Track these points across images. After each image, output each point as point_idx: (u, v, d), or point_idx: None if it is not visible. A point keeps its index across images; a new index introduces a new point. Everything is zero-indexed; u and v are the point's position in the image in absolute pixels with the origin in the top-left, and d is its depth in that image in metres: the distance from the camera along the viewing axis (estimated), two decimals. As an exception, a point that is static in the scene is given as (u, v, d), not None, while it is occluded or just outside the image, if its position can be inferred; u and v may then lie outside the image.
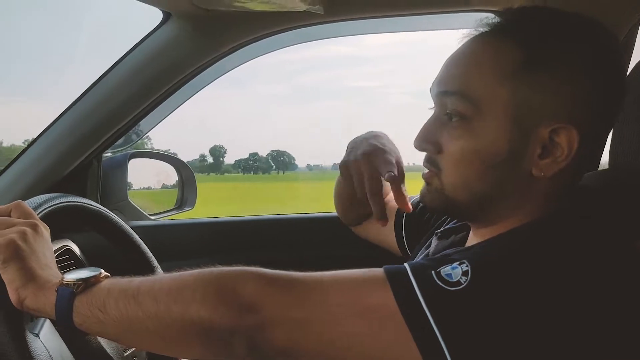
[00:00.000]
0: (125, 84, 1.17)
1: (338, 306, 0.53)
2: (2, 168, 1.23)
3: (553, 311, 0.50)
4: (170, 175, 1.56)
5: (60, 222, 0.77)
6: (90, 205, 0.88)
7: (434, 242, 0.80)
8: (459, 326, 0.49)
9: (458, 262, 0.53)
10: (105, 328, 0.58)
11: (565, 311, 0.50)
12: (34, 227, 0.65)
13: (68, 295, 0.59)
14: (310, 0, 0.98)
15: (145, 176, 1.58)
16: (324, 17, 1.07)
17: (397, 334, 0.50)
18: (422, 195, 0.68)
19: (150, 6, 1.08)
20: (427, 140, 0.64)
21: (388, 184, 0.85)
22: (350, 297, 0.54)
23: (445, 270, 0.52)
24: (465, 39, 0.64)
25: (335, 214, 1.10)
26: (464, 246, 0.71)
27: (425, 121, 0.66)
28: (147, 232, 1.09)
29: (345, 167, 0.87)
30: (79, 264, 1.01)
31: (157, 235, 1.35)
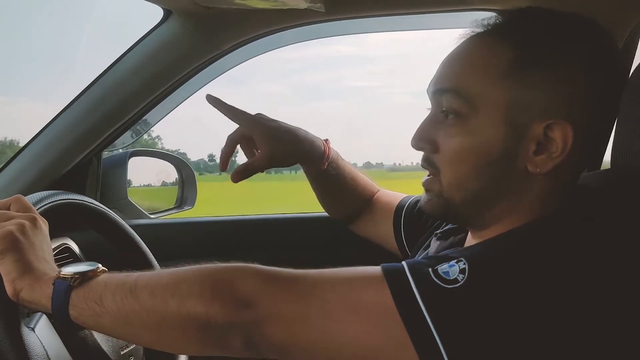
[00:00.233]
0: (125, 82, 1.17)
1: (335, 303, 0.53)
2: (2, 165, 1.23)
3: (549, 311, 0.50)
4: (170, 174, 1.56)
5: (59, 219, 0.77)
6: (90, 203, 0.88)
7: (434, 242, 0.80)
8: (456, 324, 0.49)
9: (455, 260, 0.52)
10: (102, 321, 0.58)
11: (561, 311, 0.50)
12: (33, 221, 0.65)
13: (65, 288, 0.59)
14: (312, -2, 0.98)
15: (145, 174, 1.58)
16: (325, 15, 1.07)
17: (394, 331, 0.50)
18: (423, 203, 0.68)
19: (151, 4, 1.08)
20: (424, 139, 0.65)
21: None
22: (348, 294, 0.54)
23: (443, 268, 0.52)
24: (462, 39, 0.65)
25: None
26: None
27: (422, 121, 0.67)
28: (146, 231, 1.09)
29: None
30: (77, 262, 1.01)
31: (157, 234, 1.35)
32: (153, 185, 1.68)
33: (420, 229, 0.90)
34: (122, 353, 0.82)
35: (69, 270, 0.60)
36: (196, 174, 1.57)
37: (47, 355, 0.66)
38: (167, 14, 1.12)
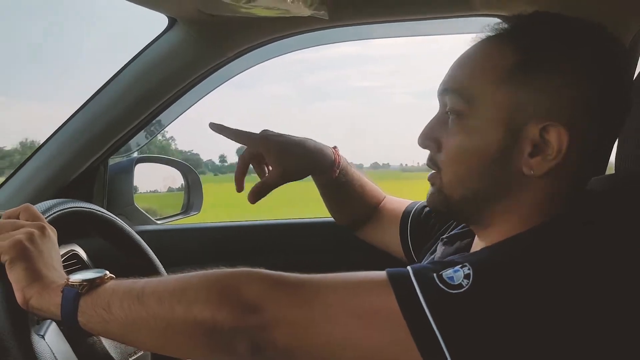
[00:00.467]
0: (130, 90, 1.18)
1: (340, 307, 0.54)
2: (10, 173, 1.24)
3: (553, 317, 0.50)
4: (176, 180, 1.56)
5: (68, 227, 0.78)
6: (97, 211, 0.89)
7: (440, 247, 0.80)
8: (460, 329, 0.50)
9: (460, 265, 0.53)
10: (110, 328, 0.58)
11: (564, 317, 0.50)
12: (41, 229, 0.66)
13: (73, 295, 0.59)
14: (315, 6, 0.98)
15: (151, 180, 1.59)
16: (328, 22, 1.08)
17: (399, 335, 0.51)
18: (427, 197, 0.69)
19: (156, 12, 1.09)
20: (429, 137, 0.67)
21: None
22: (353, 298, 0.54)
23: (448, 273, 0.52)
24: (472, 43, 0.66)
25: None
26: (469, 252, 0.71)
27: (428, 120, 0.68)
28: (153, 237, 1.10)
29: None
30: (85, 269, 1.01)
31: (163, 240, 1.36)
32: (159, 191, 1.69)
33: (427, 235, 0.90)
34: (130, 360, 0.82)
35: (77, 277, 0.61)
36: (202, 176, 1.57)
37: None
38: (172, 22, 1.13)
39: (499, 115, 0.60)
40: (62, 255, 0.94)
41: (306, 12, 0.98)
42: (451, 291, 0.51)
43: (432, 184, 0.68)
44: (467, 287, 0.51)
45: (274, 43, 1.17)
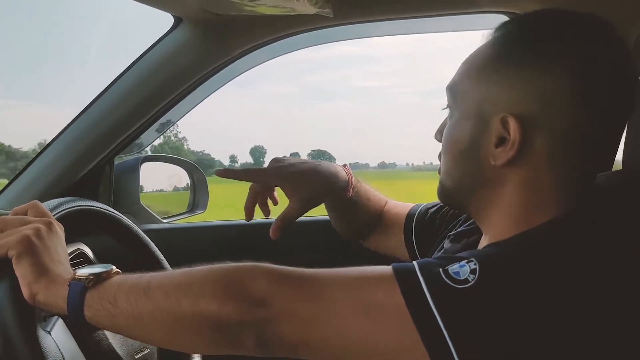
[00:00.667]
0: (136, 89, 1.18)
1: (346, 302, 0.54)
2: (18, 172, 1.25)
3: (558, 313, 0.50)
4: (182, 179, 1.57)
5: (74, 226, 0.78)
6: (105, 209, 0.89)
7: (447, 245, 0.80)
8: (466, 324, 0.50)
9: (466, 261, 0.53)
10: (116, 321, 0.59)
11: (570, 314, 0.50)
12: (49, 225, 0.66)
13: (80, 289, 0.60)
14: (320, 4, 0.98)
15: (157, 179, 1.59)
16: (333, 20, 1.08)
17: (404, 330, 0.51)
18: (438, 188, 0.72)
19: (161, 11, 1.09)
20: (440, 132, 0.71)
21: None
22: (358, 293, 0.54)
23: (453, 268, 0.52)
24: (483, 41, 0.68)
25: None
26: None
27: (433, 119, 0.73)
28: (159, 236, 1.10)
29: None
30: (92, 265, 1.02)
31: (170, 239, 1.36)
32: (165, 190, 1.69)
33: (432, 236, 0.90)
34: (136, 357, 0.83)
35: (83, 271, 0.61)
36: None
37: (63, 358, 0.66)
38: (178, 21, 1.14)
39: (472, 109, 0.63)
40: (69, 254, 0.94)
41: (311, 10, 0.98)
42: (457, 286, 0.51)
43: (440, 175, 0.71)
44: (473, 282, 0.50)
45: (279, 41, 1.17)
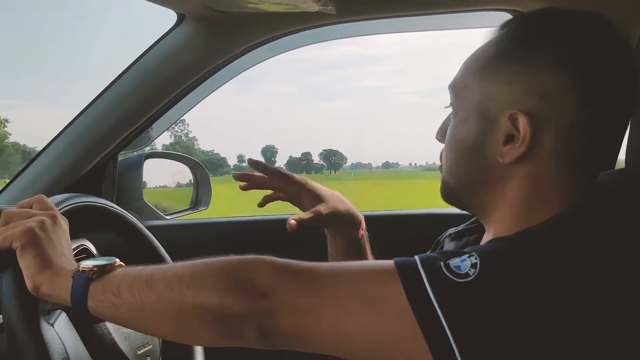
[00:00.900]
0: (139, 86, 1.19)
1: (347, 295, 0.54)
2: (21, 168, 1.25)
3: (557, 309, 0.50)
4: (185, 175, 1.57)
5: (78, 221, 0.78)
6: (109, 206, 0.90)
7: (447, 243, 0.80)
8: (466, 317, 0.50)
9: (467, 255, 0.53)
10: (119, 313, 0.59)
11: (569, 310, 0.50)
12: (53, 218, 0.67)
13: (84, 280, 0.60)
14: (323, 1, 0.98)
15: (160, 176, 1.59)
16: (336, 18, 1.08)
17: (405, 324, 0.51)
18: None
19: (164, 8, 1.09)
20: (441, 131, 0.70)
21: None
22: (360, 286, 0.54)
23: (455, 262, 0.52)
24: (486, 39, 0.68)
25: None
26: None
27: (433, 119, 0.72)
28: (162, 232, 1.11)
29: None
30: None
31: (173, 235, 1.36)
32: (168, 186, 1.70)
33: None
34: (139, 353, 0.83)
35: (87, 263, 0.61)
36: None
37: (66, 351, 0.67)
38: (181, 18, 1.14)
39: (475, 107, 0.63)
40: (73, 250, 0.95)
41: (314, 7, 0.98)
42: (458, 280, 0.51)
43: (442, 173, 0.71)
44: (473, 276, 0.51)
45: (282, 39, 1.17)
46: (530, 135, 0.58)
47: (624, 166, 0.79)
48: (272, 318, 0.54)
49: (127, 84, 1.19)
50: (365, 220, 1.00)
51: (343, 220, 0.96)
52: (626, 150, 0.76)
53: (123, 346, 0.79)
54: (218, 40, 1.16)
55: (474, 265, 0.51)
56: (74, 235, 0.73)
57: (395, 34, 1.32)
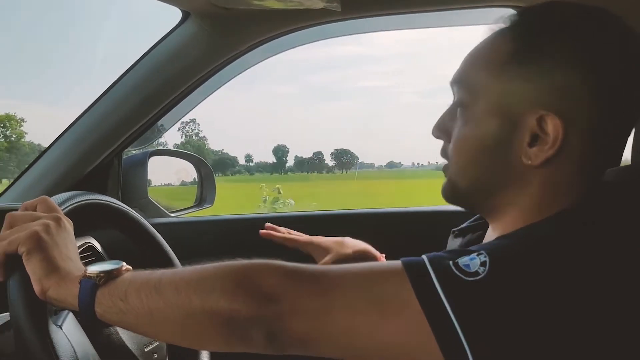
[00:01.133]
0: (144, 83, 1.19)
1: (356, 296, 0.54)
2: (26, 166, 1.25)
3: (566, 306, 0.50)
4: (189, 173, 1.57)
5: (83, 219, 0.78)
6: (114, 203, 0.90)
7: (451, 241, 0.80)
8: (477, 316, 0.50)
9: (476, 253, 0.53)
10: (127, 318, 0.59)
11: (578, 307, 0.50)
12: (57, 220, 0.67)
13: (91, 286, 0.60)
14: (328, -2, 0.98)
15: (165, 174, 1.60)
16: (341, 15, 1.07)
17: (415, 323, 0.51)
18: (442, 187, 0.70)
19: (169, 5, 1.09)
20: (440, 128, 0.69)
21: None
22: (369, 287, 0.54)
23: (463, 260, 0.52)
24: (486, 35, 0.67)
25: (359, 211, 1.10)
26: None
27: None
28: (167, 230, 1.11)
29: None
30: (101, 261, 1.02)
31: (178, 233, 1.37)
32: (173, 184, 1.70)
33: None
34: (146, 350, 0.83)
35: (94, 269, 0.61)
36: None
37: (75, 352, 0.67)
38: (186, 16, 1.14)
39: (495, 106, 0.61)
40: (78, 248, 0.95)
41: (319, 4, 0.98)
42: (468, 278, 0.51)
43: (445, 174, 0.69)
44: (483, 274, 0.50)
45: (286, 36, 1.17)
46: (562, 137, 0.58)
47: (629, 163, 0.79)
48: (282, 322, 0.54)
49: (132, 82, 1.19)
50: (367, 218, 1.00)
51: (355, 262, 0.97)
52: (632, 146, 0.76)
53: (130, 344, 0.80)
54: (222, 38, 1.16)
55: (483, 264, 0.51)
56: (79, 233, 0.73)
57: (398, 31, 1.32)
